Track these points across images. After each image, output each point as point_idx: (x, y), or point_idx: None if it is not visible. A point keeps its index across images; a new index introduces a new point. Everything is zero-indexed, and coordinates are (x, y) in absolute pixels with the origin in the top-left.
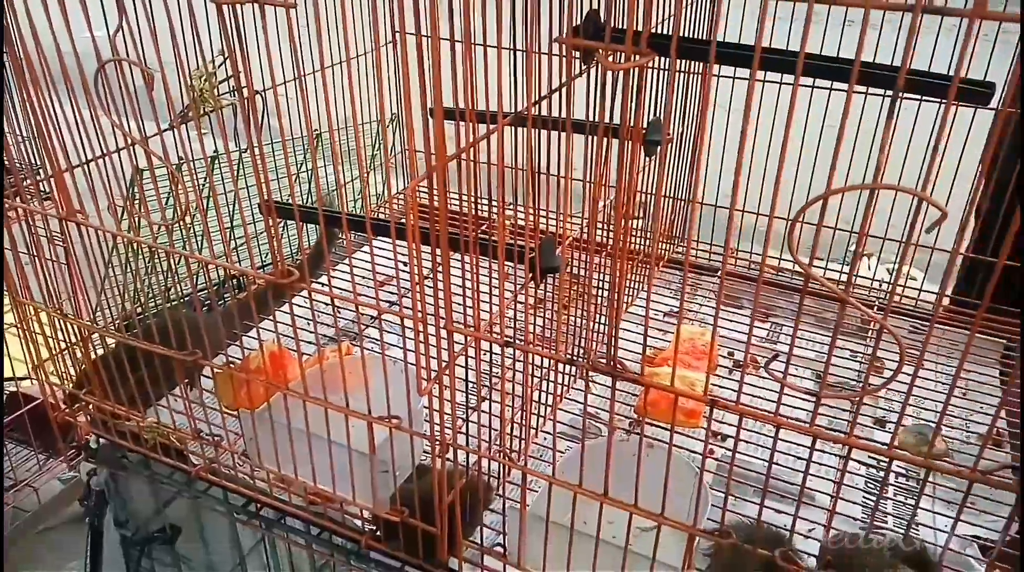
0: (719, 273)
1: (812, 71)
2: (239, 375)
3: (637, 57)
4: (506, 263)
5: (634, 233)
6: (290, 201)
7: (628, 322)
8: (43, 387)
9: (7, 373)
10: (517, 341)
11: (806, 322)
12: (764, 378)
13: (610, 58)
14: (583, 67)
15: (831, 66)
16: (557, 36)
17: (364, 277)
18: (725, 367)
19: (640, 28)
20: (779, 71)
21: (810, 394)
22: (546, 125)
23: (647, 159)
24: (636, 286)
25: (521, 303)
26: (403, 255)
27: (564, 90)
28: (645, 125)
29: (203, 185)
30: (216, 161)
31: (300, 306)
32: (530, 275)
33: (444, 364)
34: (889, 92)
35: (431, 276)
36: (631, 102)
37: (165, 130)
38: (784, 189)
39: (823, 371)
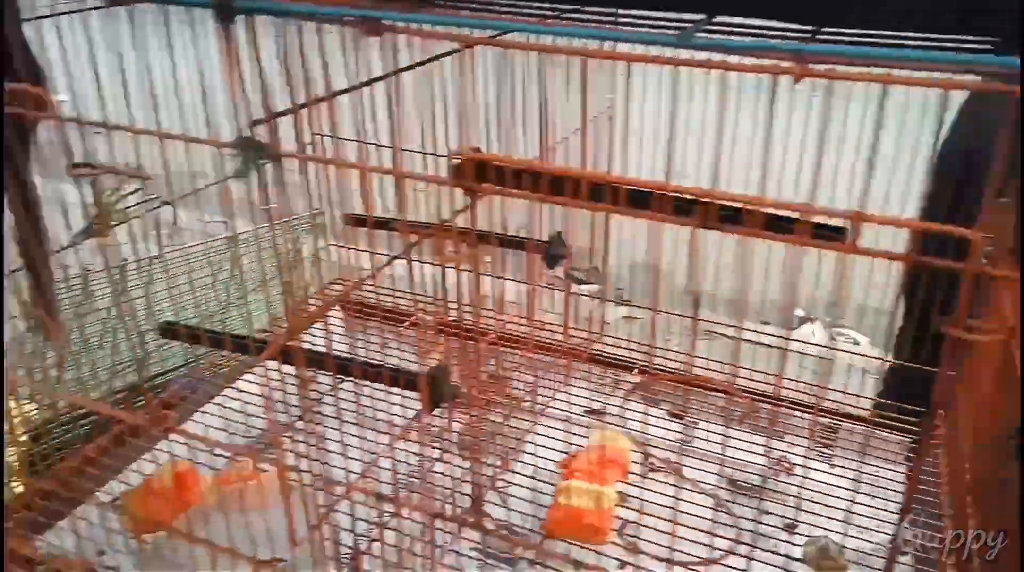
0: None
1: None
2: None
3: None
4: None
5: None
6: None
7: (546, 425)
8: None
9: None
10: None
11: (721, 418)
12: (681, 479)
13: None
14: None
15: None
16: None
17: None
18: (638, 474)
19: None
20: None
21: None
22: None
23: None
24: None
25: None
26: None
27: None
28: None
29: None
30: (123, 270)
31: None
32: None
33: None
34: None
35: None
36: None
37: (68, 246)
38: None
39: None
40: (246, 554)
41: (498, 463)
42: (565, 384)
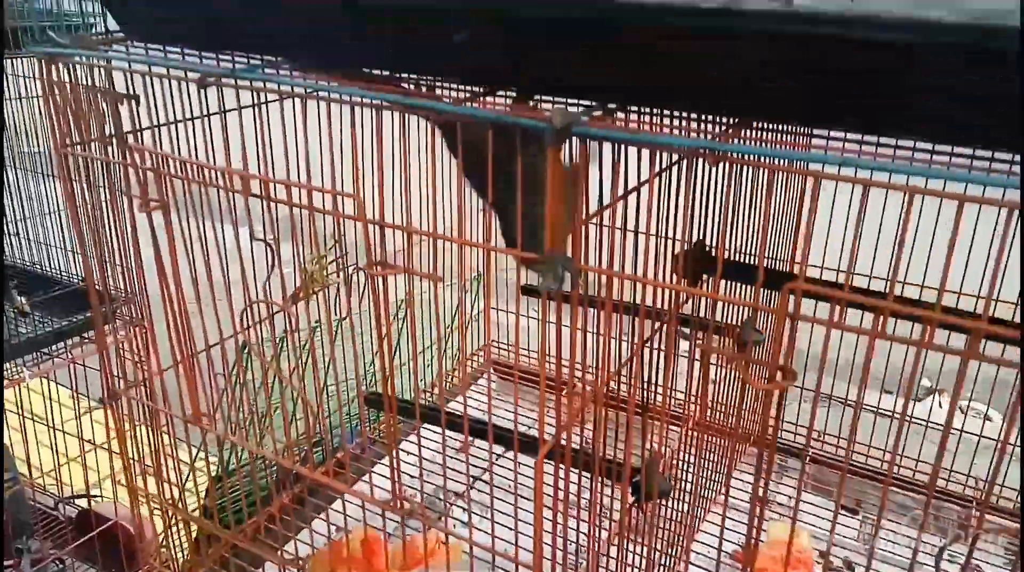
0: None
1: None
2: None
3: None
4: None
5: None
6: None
7: (713, 513)
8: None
9: (85, 490)
10: None
11: (901, 516)
12: None
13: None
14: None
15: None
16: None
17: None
18: None
19: None
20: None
21: None
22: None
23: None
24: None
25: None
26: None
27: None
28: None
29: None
30: (317, 330)
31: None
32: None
33: None
34: None
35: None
36: None
37: (276, 312)
38: None
39: None
40: None
41: (673, 552)
42: (732, 468)
